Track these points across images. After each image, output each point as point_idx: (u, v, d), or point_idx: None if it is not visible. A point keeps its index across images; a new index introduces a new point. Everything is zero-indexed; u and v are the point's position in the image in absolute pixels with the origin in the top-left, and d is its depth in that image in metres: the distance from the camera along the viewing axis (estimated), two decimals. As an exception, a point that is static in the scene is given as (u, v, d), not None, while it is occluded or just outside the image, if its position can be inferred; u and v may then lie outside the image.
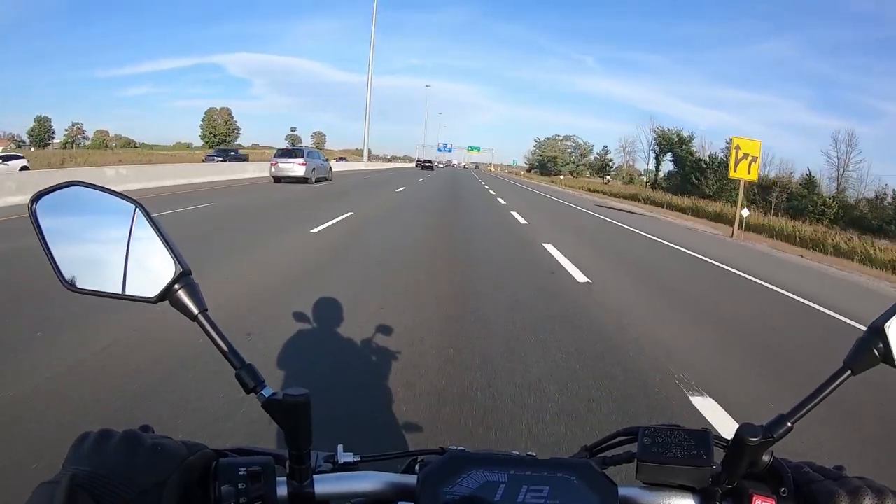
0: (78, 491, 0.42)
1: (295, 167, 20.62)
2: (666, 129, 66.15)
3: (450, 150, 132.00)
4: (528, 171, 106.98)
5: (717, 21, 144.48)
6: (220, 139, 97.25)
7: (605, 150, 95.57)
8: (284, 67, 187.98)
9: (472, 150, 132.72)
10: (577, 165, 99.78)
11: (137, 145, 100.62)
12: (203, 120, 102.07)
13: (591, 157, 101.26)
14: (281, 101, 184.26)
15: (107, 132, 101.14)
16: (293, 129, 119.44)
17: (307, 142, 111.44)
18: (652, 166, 71.99)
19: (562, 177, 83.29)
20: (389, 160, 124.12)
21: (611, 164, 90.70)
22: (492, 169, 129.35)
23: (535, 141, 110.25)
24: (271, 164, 21.34)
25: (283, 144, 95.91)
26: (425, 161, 77.45)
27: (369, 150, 48.06)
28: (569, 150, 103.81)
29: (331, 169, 25.59)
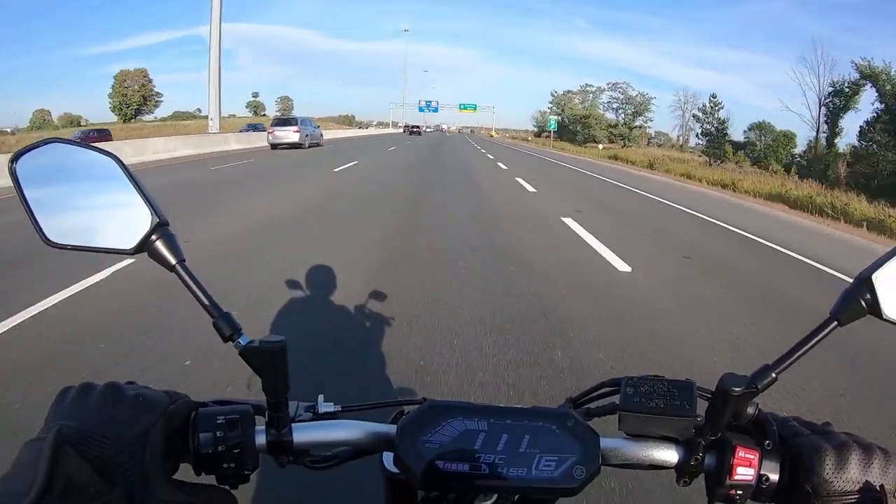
0: (64, 446, 0.42)
1: (290, 134, 23.14)
2: (869, 62, 33.48)
3: (434, 111, 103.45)
4: (538, 135, 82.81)
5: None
6: (135, 109, 77.74)
7: (715, 102, 49.05)
8: (271, 36, 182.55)
9: (465, 108, 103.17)
10: (631, 129, 67.88)
11: (83, 124, 74.79)
12: (113, 87, 78.55)
13: (649, 114, 69.69)
14: (269, 70, 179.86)
15: (48, 111, 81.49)
16: (255, 95, 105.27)
17: (271, 108, 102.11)
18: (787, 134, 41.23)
19: (633, 147, 56.42)
20: (373, 126, 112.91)
21: (726, 124, 47.96)
22: (493, 135, 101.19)
23: (553, 95, 78.39)
24: (269, 133, 23.76)
25: (247, 114, 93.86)
26: (413, 126, 75.87)
27: (291, 117, 29.71)
28: (614, 105, 71.21)
29: (321, 135, 28.12)
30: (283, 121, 25.20)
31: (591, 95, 75.81)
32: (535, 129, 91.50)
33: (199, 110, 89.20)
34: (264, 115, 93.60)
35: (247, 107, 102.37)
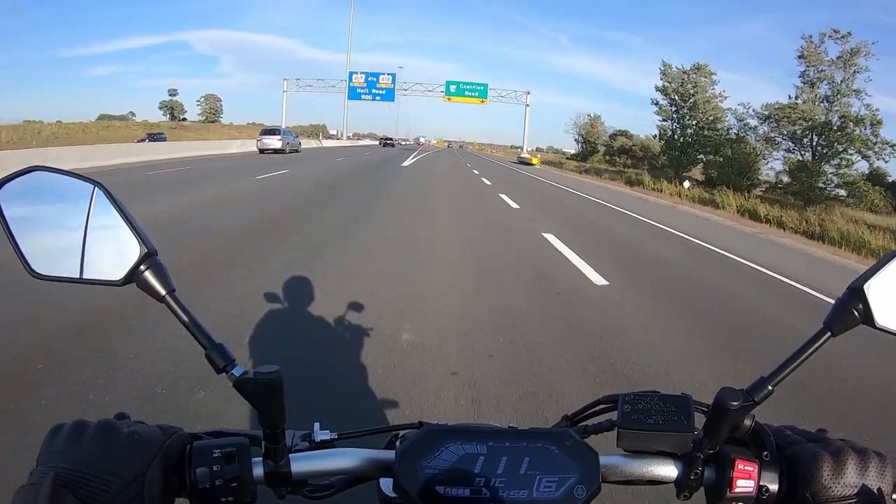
0: (61, 491, 0.41)
1: (274, 141, 29.09)
2: None
3: (383, 96, 54.04)
4: (583, 158, 53.41)
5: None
6: None
7: None
8: (254, 44, 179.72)
9: (460, 96, 53.78)
10: None
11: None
12: None
13: None
14: (254, 78, 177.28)
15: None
16: (172, 94, 79.84)
17: (193, 109, 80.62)
18: None
19: None
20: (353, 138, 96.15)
21: None
22: (533, 161, 47.66)
23: (664, 71, 35.26)
24: (257, 140, 29.70)
25: (160, 116, 75.99)
26: (386, 139, 74.52)
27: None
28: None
29: (300, 144, 34.35)
30: (269, 131, 31.50)
31: (841, 62, 26.97)
32: (580, 146, 57.05)
33: (133, 113, 78.53)
34: (184, 118, 76.76)
35: (160, 108, 79.78)
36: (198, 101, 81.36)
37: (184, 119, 76.46)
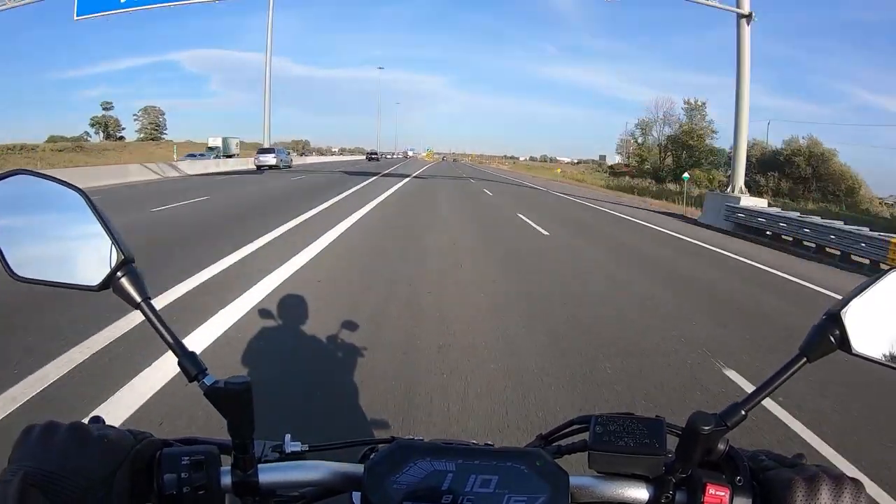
0: (30, 489, 0.42)
1: (269, 159, 33.75)
2: None
3: None
4: (656, 177, 34.90)
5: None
6: None
7: None
8: (242, 62, 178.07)
9: None
10: None
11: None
12: None
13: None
14: (242, 96, 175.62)
15: None
16: (106, 108, 64.52)
17: (133, 124, 66.93)
18: None
19: None
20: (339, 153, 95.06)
21: None
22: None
23: None
24: (254, 158, 34.35)
25: (86, 132, 61.98)
26: (372, 153, 74.62)
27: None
28: None
29: (292, 160, 40.09)
30: (265, 150, 35.05)
31: None
32: (665, 156, 37.26)
33: (88, 134, 63.67)
34: (120, 136, 64.15)
35: (93, 125, 64.13)
36: (135, 115, 66.50)
37: (121, 137, 63.85)
